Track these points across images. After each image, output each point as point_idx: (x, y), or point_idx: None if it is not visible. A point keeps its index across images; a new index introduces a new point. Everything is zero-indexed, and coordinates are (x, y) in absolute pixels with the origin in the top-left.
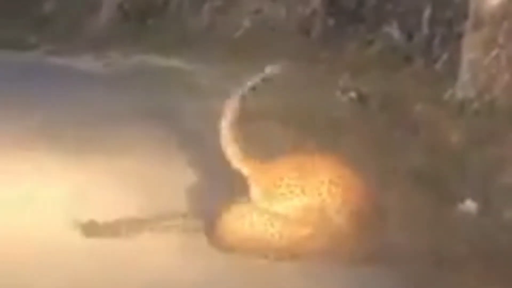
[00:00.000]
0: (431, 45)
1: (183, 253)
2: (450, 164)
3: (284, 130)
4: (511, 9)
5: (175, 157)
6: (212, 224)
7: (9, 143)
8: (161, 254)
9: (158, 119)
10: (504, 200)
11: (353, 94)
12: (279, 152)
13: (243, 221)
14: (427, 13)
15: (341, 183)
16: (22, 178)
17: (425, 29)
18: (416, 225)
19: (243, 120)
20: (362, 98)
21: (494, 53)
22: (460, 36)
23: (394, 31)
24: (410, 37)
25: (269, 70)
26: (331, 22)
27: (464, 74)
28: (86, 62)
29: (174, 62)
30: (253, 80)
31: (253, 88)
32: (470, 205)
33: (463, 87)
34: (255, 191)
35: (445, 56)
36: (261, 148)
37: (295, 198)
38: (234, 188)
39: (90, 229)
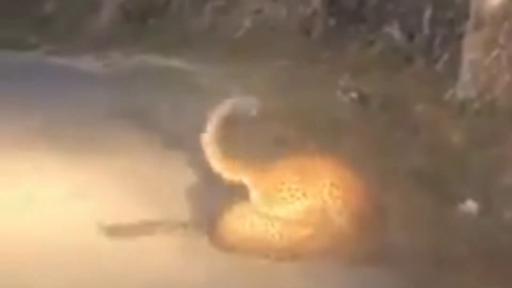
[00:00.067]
0: (432, 45)
1: (184, 253)
2: (451, 164)
3: (284, 130)
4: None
5: (176, 157)
6: (212, 224)
7: (9, 143)
8: (162, 254)
9: (158, 119)
10: (505, 201)
11: (354, 94)
12: (280, 152)
13: (244, 221)
14: (428, 13)
15: (342, 184)
16: (22, 178)
17: (426, 30)
18: (417, 225)
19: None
20: (363, 98)
21: (495, 53)
22: (461, 36)
23: (395, 31)
24: (411, 37)
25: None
26: (332, 22)
27: (465, 74)
28: (87, 62)
29: (175, 62)
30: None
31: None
32: (470, 205)
33: (464, 87)
34: (256, 196)
35: (446, 56)
36: (261, 148)
37: (296, 202)
38: (235, 188)
39: (90, 229)
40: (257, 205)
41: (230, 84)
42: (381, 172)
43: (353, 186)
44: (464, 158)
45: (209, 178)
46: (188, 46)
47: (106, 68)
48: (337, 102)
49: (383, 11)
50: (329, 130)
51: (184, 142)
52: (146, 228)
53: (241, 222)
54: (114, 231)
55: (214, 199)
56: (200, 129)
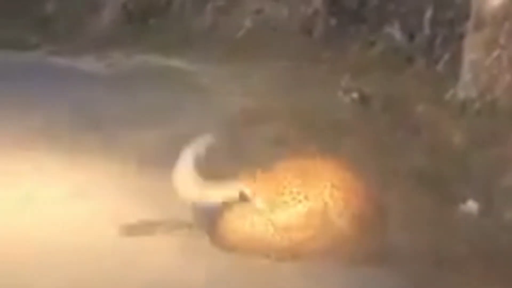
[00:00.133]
0: (433, 45)
1: (184, 253)
2: (452, 165)
3: (285, 130)
4: None
5: (176, 157)
6: (213, 224)
7: (9, 143)
8: (162, 254)
9: (159, 119)
10: (505, 201)
11: (354, 95)
12: (281, 153)
13: (245, 221)
14: (428, 13)
15: (343, 185)
16: (22, 178)
17: (426, 30)
18: (417, 225)
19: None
20: (363, 98)
21: (495, 53)
22: (461, 36)
23: (395, 31)
24: (411, 37)
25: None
26: (333, 22)
27: (466, 75)
28: (88, 62)
29: (176, 62)
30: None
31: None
32: (471, 205)
33: (465, 88)
34: (258, 200)
35: (446, 57)
36: (262, 149)
37: (298, 205)
38: (237, 188)
39: (90, 229)
40: (259, 209)
41: (231, 84)
42: (382, 172)
43: (354, 187)
44: (464, 158)
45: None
46: (189, 46)
47: (107, 68)
48: (338, 102)
49: (384, 11)
50: (330, 130)
51: (184, 142)
52: (146, 228)
53: (241, 222)
54: (114, 231)
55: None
56: (202, 129)
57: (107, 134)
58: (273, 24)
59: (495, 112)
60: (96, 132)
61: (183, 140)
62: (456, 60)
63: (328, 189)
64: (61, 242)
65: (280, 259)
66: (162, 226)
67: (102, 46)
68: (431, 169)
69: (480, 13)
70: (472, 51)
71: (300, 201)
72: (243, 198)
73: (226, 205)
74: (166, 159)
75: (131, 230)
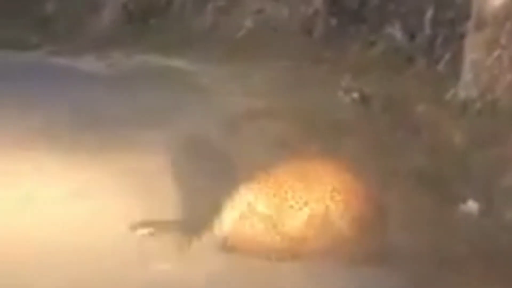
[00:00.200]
0: (434, 45)
1: (184, 253)
2: (452, 165)
3: (286, 130)
4: None
5: (177, 157)
6: (214, 225)
7: (9, 143)
8: (162, 254)
9: (160, 119)
10: (505, 201)
11: (355, 95)
12: (281, 154)
13: (245, 222)
14: (429, 13)
15: (344, 187)
16: (22, 178)
17: (427, 30)
18: (417, 225)
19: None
20: (364, 99)
21: (496, 53)
22: (462, 36)
23: (396, 31)
24: (412, 37)
25: None
26: (333, 22)
27: (467, 74)
28: (88, 63)
29: (177, 62)
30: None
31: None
32: (472, 205)
33: (466, 87)
34: (259, 203)
35: (447, 57)
36: (263, 149)
37: (300, 209)
38: (237, 188)
39: (90, 229)
40: (260, 212)
41: (231, 84)
42: (382, 172)
43: (354, 188)
44: (465, 158)
45: (211, 178)
46: (190, 46)
47: (108, 68)
48: (338, 102)
49: (384, 11)
50: (330, 130)
51: (185, 142)
52: (146, 228)
53: (242, 223)
54: (114, 231)
55: (215, 200)
56: (203, 129)
57: (107, 134)
58: (274, 24)
59: (496, 112)
60: (96, 132)
61: (183, 140)
62: (456, 60)
63: (329, 192)
64: (61, 242)
65: (280, 259)
66: (162, 226)
67: (102, 46)
68: (432, 169)
69: (481, 13)
70: (473, 51)
71: (302, 205)
72: (244, 201)
73: (227, 206)
74: (166, 159)
75: (131, 230)
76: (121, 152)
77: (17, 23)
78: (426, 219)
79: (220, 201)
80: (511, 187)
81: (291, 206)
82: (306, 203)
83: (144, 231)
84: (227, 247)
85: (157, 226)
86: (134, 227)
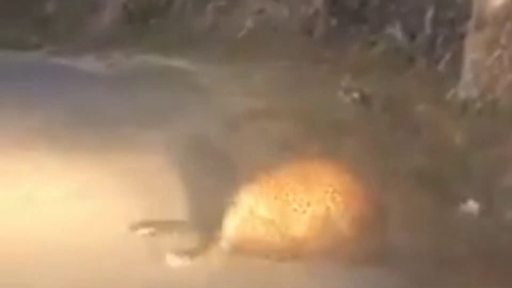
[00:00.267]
0: (434, 45)
1: (184, 253)
2: (452, 165)
3: (286, 130)
4: None
5: (177, 157)
6: (214, 225)
7: (9, 143)
8: (162, 254)
9: (160, 119)
10: (506, 201)
11: (355, 95)
12: (282, 154)
13: (247, 224)
14: (429, 13)
15: (344, 188)
16: (22, 178)
17: (427, 30)
18: (418, 226)
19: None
20: (364, 99)
21: (496, 53)
22: (462, 36)
23: (396, 31)
24: (412, 37)
25: None
26: (333, 22)
27: (467, 74)
28: (88, 63)
29: (177, 63)
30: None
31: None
32: (472, 205)
33: (466, 87)
34: (260, 205)
35: (447, 57)
36: (263, 150)
37: (301, 211)
38: (238, 189)
39: (90, 229)
40: (261, 214)
41: (232, 84)
42: (382, 172)
43: (354, 189)
44: (465, 158)
45: (211, 178)
46: (190, 46)
47: (108, 68)
48: (338, 102)
49: (385, 12)
50: (330, 131)
51: (185, 142)
52: (146, 228)
53: (243, 225)
54: (114, 231)
55: (216, 200)
56: (203, 129)
57: (107, 134)
58: (274, 24)
59: (496, 112)
60: (96, 132)
61: (183, 140)
62: (457, 60)
63: (329, 194)
64: (61, 242)
65: (281, 260)
66: (162, 226)
67: (102, 46)
68: (432, 169)
69: (481, 13)
70: (473, 51)
71: (305, 208)
72: (245, 203)
73: (228, 207)
74: (166, 159)
75: (131, 230)
76: (121, 152)
77: (17, 23)
78: (426, 219)
79: (220, 202)
80: (511, 187)
81: (295, 210)
82: (308, 205)
83: (144, 231)
84: (228, 248)
85: (157, 226)
86: (134, 227)
